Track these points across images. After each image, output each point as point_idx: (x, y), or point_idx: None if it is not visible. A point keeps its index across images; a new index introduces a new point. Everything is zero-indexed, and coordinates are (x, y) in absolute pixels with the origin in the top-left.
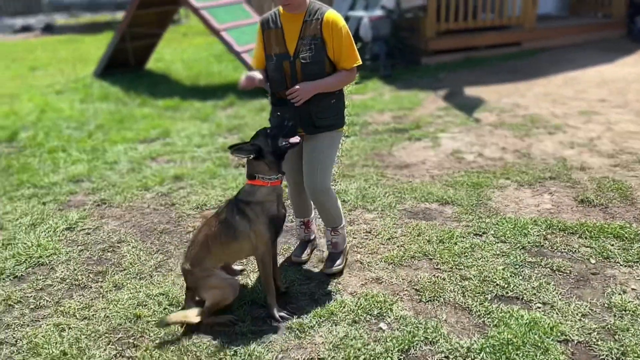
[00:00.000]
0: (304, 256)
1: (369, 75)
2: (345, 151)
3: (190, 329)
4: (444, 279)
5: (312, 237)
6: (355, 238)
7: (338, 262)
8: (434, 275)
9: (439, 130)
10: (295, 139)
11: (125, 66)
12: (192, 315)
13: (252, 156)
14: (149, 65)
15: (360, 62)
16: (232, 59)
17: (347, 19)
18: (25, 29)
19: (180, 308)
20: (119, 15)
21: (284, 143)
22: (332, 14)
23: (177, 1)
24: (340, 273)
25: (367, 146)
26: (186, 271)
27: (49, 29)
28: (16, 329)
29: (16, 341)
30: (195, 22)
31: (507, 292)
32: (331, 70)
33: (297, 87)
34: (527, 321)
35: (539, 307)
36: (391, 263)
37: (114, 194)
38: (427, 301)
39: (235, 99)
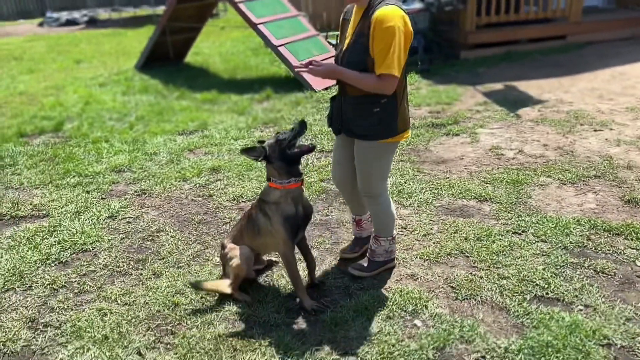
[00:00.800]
0: (351, 253)
1: (407, 69)
2: None
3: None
4: (481, 277)
5: (364, 236)
6: None
7: (365, 269)
8: (471, 273)
9: (478, 125)
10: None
11: (165, 59)
12: (224, 285)
13: (260, 159)
14: (188, 59)
15: (391, 72)
16: (269, 53)
17: None
18: (70, 22)
19: (215, 298)
20: (160, 9)
21: (295, 150)
22: (383, 12)
23: None
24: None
25: (403, 141)
26: (222, 245)
27: (92, 22)
28: (60, 312)
29: (60, 324)
30: (233, 16)
31: (547, 293)
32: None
33: (318, 59)
34: (568, 323)
35: (581, 310)
36: (427, 260)
37: (153, 185)
38: (464, 299)
39: (272, 92)
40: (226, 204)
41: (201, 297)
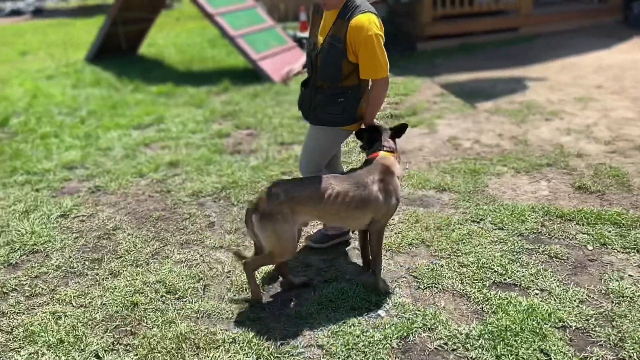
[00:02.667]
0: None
1: None
2: None
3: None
4: (442, 266)
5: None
6: None
7: (320, 240)
8: (432, 262)
9: (436, 116)
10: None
11: (117, 51)
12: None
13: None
14: (142, 50)
15: (384, 75)
16: (225, 44)
17: None
18: (15, 12)
19: (177, 296)
20: None
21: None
22: (361, 20)
23: None
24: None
25: None
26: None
27: (38, 12)
28: (12, 316)
29: (12, 329)
30: (188, 7)
31: (505, 279)
32: (349, 73)
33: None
34: (525, 308)
35: (537, 294)
36: (389, 250)
37: (108, 181)
38: (425, 288)
39: (230, 84)
40: (185, 200)
41: (161, 296)
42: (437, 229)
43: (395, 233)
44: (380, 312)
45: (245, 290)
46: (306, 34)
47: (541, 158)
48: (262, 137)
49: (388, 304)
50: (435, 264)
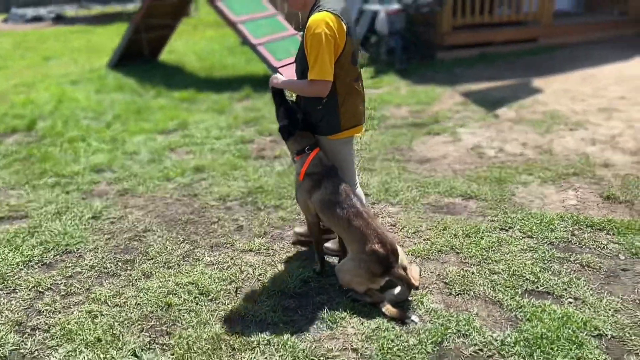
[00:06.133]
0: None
1: (384, 69)
2: (364, 145)
3: None
4: (472, 273)
5: None
6: None
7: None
8: (463, 269)
9: (458, 125)
10: None
11: (139, 57)
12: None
13: None
14: (162, 57)
15: (318, 77)
16: (244, 52)
17: (361, 13)
18: (36, 19)
19: (209, 298)
20: (130, 7)
21: None
22: (312, 19)
23: None
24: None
25: (386, 140)
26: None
27: (59, 19)
28: (48, 315)
29: (49, 327)
30: (206, 15)
31: (537, 287)
32: None
33: (277, 74)
34: (560, 316)
35: (571, 302)
36: (418, 256)
37: (136, 184)
38: (457, 294)
39: (251, 91)
40: (213, 204)
41: (194, 297)
42: (466, 236)
43: (424, 240)
44: (413, 317)
45: (277, 293)
46: None
47: (567, 167)
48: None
49: (421, 309)
50: (466, 270)
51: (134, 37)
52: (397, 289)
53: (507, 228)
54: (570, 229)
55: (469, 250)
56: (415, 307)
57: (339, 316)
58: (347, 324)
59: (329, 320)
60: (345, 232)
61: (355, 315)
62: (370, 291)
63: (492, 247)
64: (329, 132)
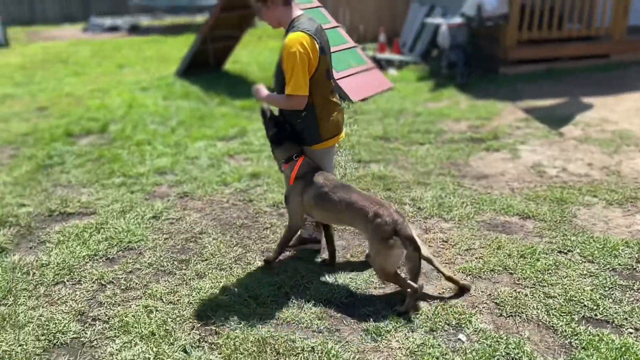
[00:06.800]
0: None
1: (445, 83)
2: (419, 159)
3: None
4: (526, 295)
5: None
6: (431, 246)
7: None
8: (516, 290)
9: (519, 142)
10: None
11: (205, 67)
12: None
13: None
14: (226, 67)
15: (293, 93)
16: None
17: (422, 26)
18: (113, 28)
19: (258, 302)
20: (199, 18)
21: None
22: (290, 37)
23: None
24: None
25: (442, 155)
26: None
27: (134, 29)
28: (108, 307)
29: (108, 319)
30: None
31: (595, 314)
32: None
33: (258, 86)
34: (619, 346)
35: (631, 333)
36: (469, 274)
37: (195, 188)
38: (508, 316)
39: None
40: (266, 209)
41: (244, 300)
42: (521, 256)
43: (476, 258)
44: (460, 336)
45: (324, 301)
46: (385, 55)
47: (636, 191)
48: (340, 154)
49: (469, 328)
50: (518, 292)
51: (201, 48)
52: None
53: (565, 251)
54: (636, 255)
55: (524, 271)
56: (463, 325)
57: (384, 329)
58: (392, 337)
59: (373, 332)
60: (345, 213)
61: (400, 330)
62: (401, 279)
63: (548, 270)
64: (311, 143)
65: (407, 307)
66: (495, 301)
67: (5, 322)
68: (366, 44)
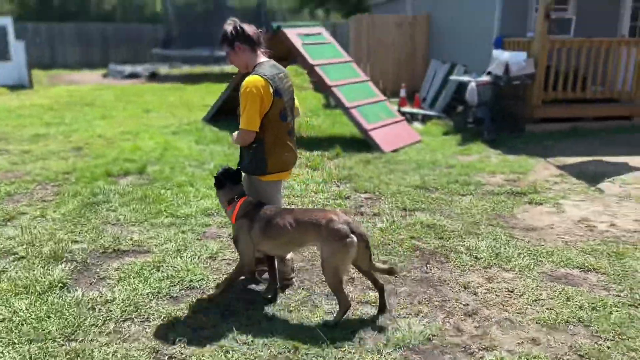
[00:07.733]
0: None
1: (472, 137)
2: (464, 209)
3: None
4: (608, 347)
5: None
6: (498, 296)
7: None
8: (596, 343)
9: (560, 196)
10: None
11: (231, 113)
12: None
13: None
14: None
15: (243, 128)
16: (328, 114)
17: (444, 82)
18: (133, 75)
19: (334, 345)
20: (216, 68)
21: None
22: (248, 79)
23: (295, 58)
24: None
25: (486, 206)
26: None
27: (153, 76)
28: (182, 346)
29: (184, 357)
30: (293, 76)
31: None
32: None
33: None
34: None
35: None
36: (544, 325)
37: None
38: None
39: (341, 150)
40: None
41: (321, 343)
42: (592, 309)
43: (547, 309)
44: None
45: (402, 347)
46: (409, 109)
47: None
48: (383, 202)
49: None
50: (600, 344)
51: (231, 95)
52: None
53: (636, 305)
54: None
55: (599, 323)
56: None
57: None
58: None
59: None
60: (296, 231)
61: None
62: (344, 290)
63: (624, 323)
64: (255, 173)
65: (337, 320)
66: (578, 353)
67: (79, 358)
68: (388, 99)
